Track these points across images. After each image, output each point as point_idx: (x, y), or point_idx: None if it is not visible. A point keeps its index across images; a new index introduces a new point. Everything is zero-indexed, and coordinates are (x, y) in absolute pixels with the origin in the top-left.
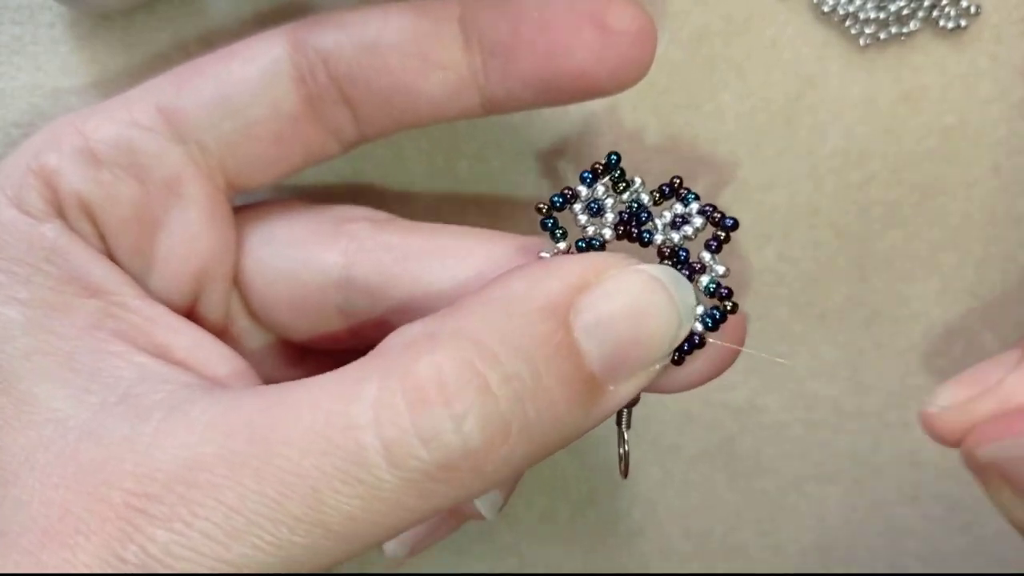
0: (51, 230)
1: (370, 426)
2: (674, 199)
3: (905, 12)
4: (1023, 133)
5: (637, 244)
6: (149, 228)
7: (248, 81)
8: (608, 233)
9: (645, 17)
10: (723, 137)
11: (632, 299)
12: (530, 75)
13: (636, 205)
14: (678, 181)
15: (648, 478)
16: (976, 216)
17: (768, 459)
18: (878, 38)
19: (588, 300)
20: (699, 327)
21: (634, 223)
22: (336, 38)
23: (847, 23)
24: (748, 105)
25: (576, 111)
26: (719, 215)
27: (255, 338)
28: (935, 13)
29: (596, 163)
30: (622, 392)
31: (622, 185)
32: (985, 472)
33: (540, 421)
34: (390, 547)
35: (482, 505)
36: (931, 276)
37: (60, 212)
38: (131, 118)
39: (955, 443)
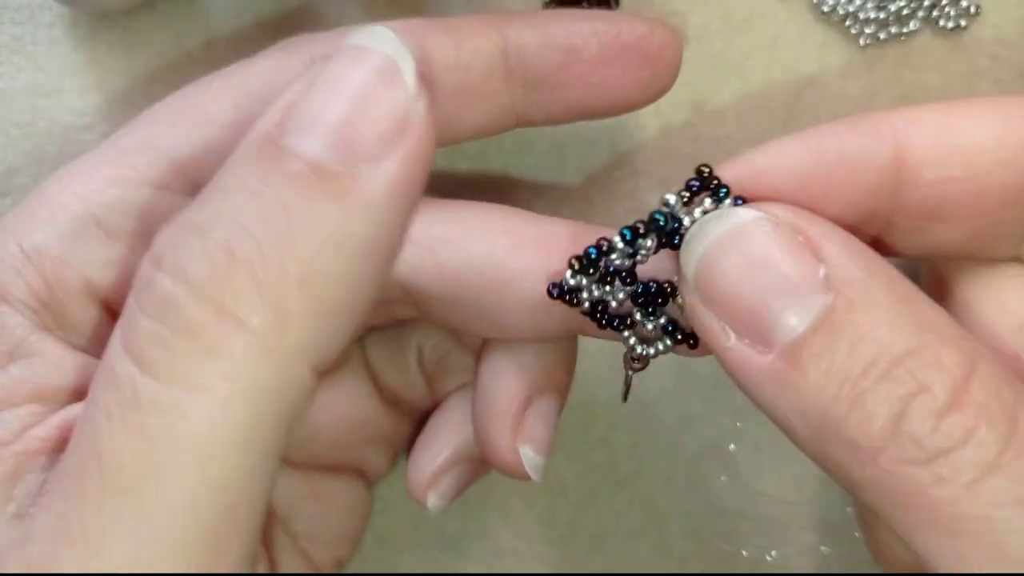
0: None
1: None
2: (705, 193)
3: (905, 12)
4: None
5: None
6: None
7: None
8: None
9: (681, 43)
10: (723, 137)
11: (327, 73)
12: (576, 104)
13: (662, 218)
14: (707, 171)
15: (648, 478)
16: None
17: (768, 459)
18: (878, 38)
19: (293, 111)
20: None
21: (673, 239)
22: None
23: (847, 23)
24: (748, 105)
25: None
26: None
27: None
28: (935, 13)
29: (640, 222)
30: (387, 168)
31: (664, 221)
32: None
33: (283, 235)
34: (432, 502)
35: (528, 467)
36: None
37: (47, 307)
38: (139, 174)
39: None
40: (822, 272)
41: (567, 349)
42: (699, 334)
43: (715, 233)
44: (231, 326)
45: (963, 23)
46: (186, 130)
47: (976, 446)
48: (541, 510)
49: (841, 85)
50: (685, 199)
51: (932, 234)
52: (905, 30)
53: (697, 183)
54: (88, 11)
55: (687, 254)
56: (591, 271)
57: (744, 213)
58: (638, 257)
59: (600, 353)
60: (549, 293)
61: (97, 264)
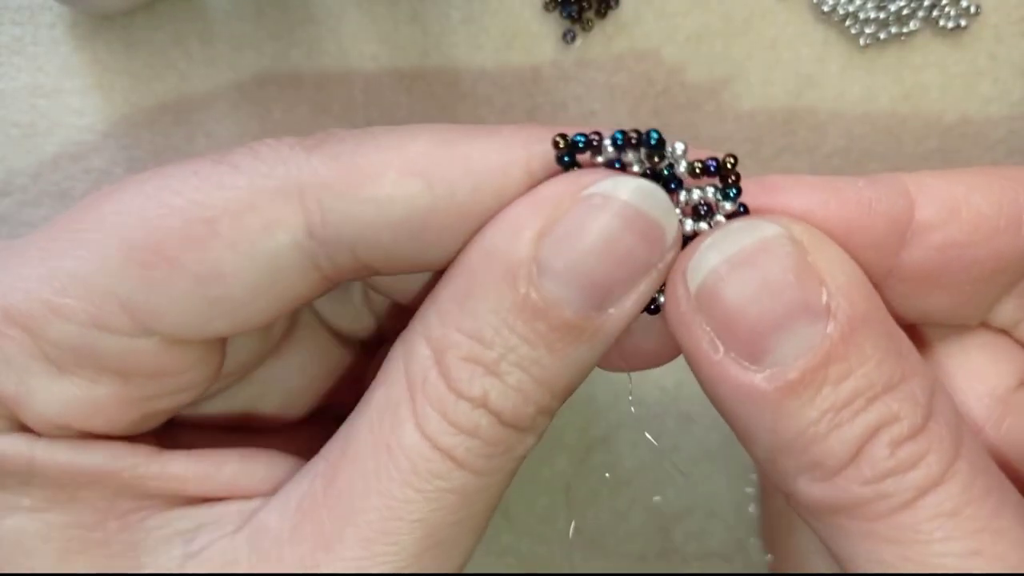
0: (12, 446)
1: (425, 444)
2: (716, 179)
3: (905, 12)
4: (1023, 133)
5: None
6: (139, 411)
7: (243, 282)
8: None
9: None
10: (723, 137)
11: (599, 230)
12: None
13: (667, 171)
14: (732, 162)
15: (648, 478)
16: None
17: None
18: (878, 38)
19: (548, 244)
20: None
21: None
22: (368, 222)
23: (847, 23)
24: (748, 105)
25: (575, 111)
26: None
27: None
28: (935, 13)
29: (635, 131)
30: (625, 309)
31: (656, 158)
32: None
33: (551, 374)
34: None
35: None
36: None
37: (21, 428)
38: (90, 319)
39: None
40: (825, 298)
41: None
42: (682, 342)
43: (737, 246)
44: (523, 434)
45: (963, 23)
46: (139, 270)
47: (924, 468)
48: (541, 510)
49: (841, 85)
50: (696, 169)
51: (924, 300)
52: (905, 30)
53: (715, 164)
54: (88, 11)
55: (698, 264)
56: (572, 157)
57: (767, 227)
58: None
59: None
60: (555, 144)
61: (58, 405)
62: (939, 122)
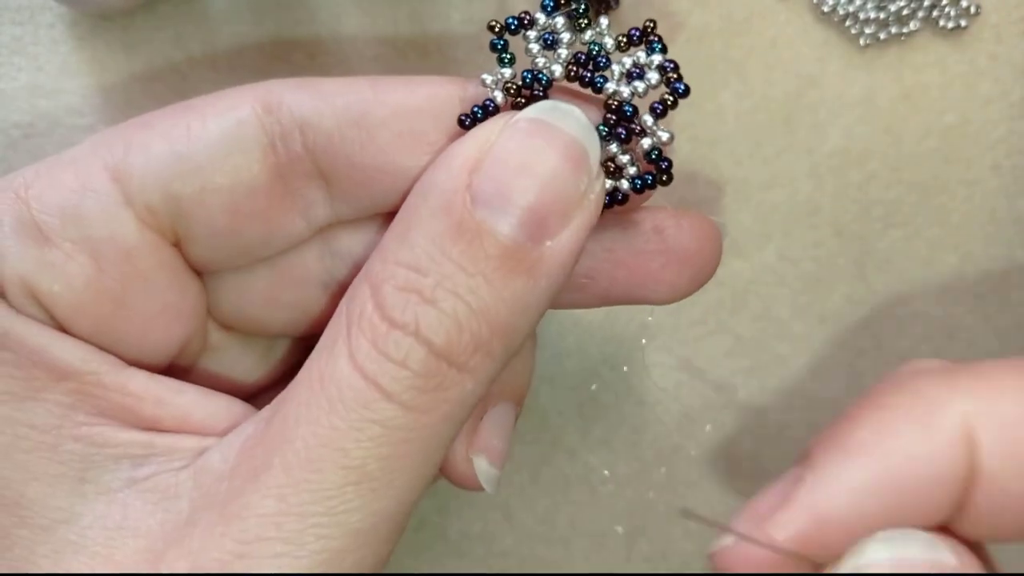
0: None
1: (355, 374)
2: (642, 45)
3: (905, 12)
4: (1023, 133)
5: (589, 90)
6: (109, 307)
7: (206, 141)
8: (558, 71)
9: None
10: (723, 137)
11: (519, 152)
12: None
13: (596, 48)
14: (651, 25)
15: (649, 478)
16: (976, 216)
17: (768, 459)
18: (878, 38)
19: (481, 174)
20: (626, 186)
21: (589, 66)
22: (316, 104)
23: (847, 23)
24: (748, 105)
25: None
26: (675, 76)
27: (233, 347)
28: (935, 13)
29: None
30: (564, 242)
31: (584, 22)
32: None
33: (488, 305)
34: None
35: (482, 478)
36: (931, 276)
37: (1, 294)
38: (78, 182)
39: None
40: None
41: (525, 355)
42: None
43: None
44: (458, 373)
45: (963, 23)
46: (127, 139)
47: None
48: (542, 511)
49: (841, 85)
50: (621, 43)
51: (999, 529)
52: (905, 30)
53: (637, 31)
54: (88, 11)
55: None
56: (506, 51)
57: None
58: (559, 50)
59: (600, 353)
60: (491, 28)
61: (35, 264)
62: (939, 122)
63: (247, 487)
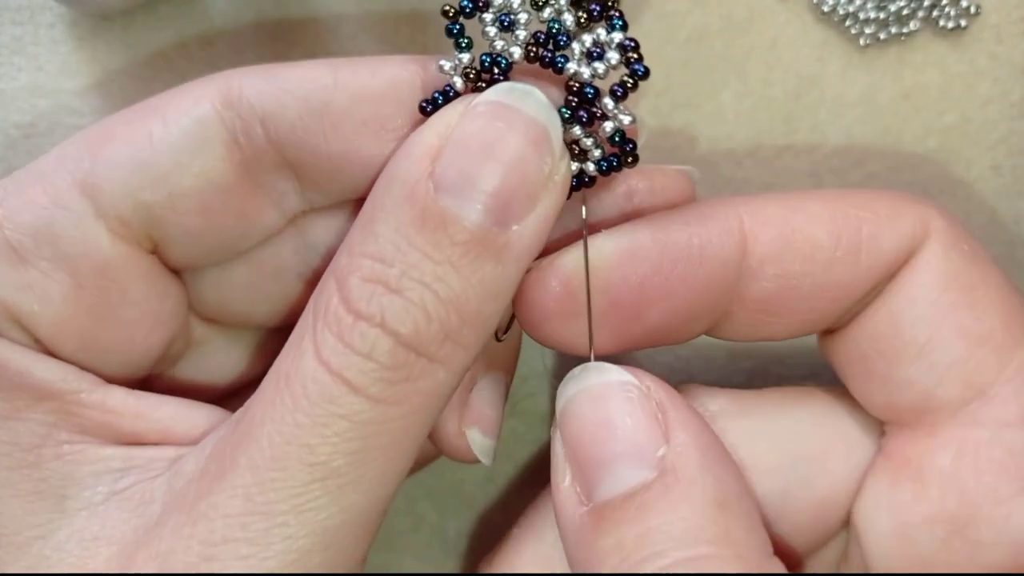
0: None
1: (320, 369)
2: (602, 22)
3: (905, 12)
4: (1023, 133)
5: (550, 70)
6: (90, 321)
7: (168, 145)
8: (517, 52)
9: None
10: (723, 137)
11: (480, 136)
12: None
13: (556, 26)
14: (612, 0)
15: None
16: (976, 216)
17: None
18: (878, 38)
19: (443, 160)
20: (592, 168)
21: (549, 45)
22: (276, 95)
23: (847, 23)
24: (748, 105)
25: None
26: (635, 56)
27: (217, 340)
28: (935, 13)
29: None
30: (529, 227)
31: (541, 0)
32: None
33: (456, 293)
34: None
35: (476, 450)
36: None
37: None
38: (49, 199)
39: None
40: (661, 452)
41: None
42: (552, 467)
43: (588, 382)
44: (428, 363)
45: (963, 23)
46: (92, 150)
47: None
48: None
49: (841, 85)
50: (581, 19)
51: (769, 326)
52: (905, 30)
53: (598, 7)
54: (88, 11)
55: (562, 391)
56: (462, 35)
57: (618, 373)
58: (516, 31)
59: None
60: (444, 13)
61: (12, 289)
62: (939, 122)
63: (214, 487)
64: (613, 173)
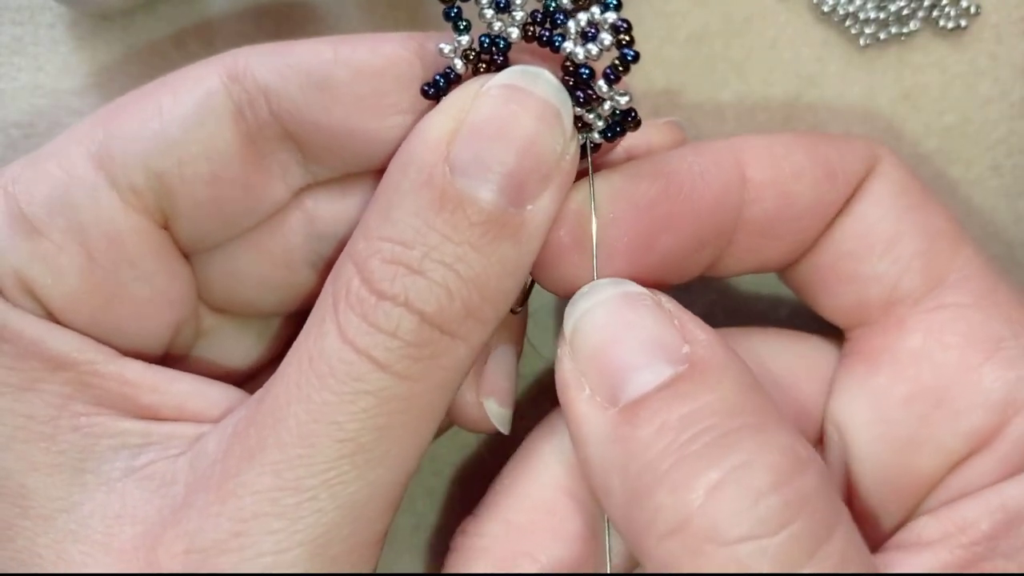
0: None
1: (345, 348)
2: (596, 1)
3: (905, 12)
4: (1023, 133)
5: (548, 49)
6: (101, 296)
7: (179, 116)
8: (515, 33)
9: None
10: (723, 137)
11: (494, 119)
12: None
13: (553, 4)
14: None
15: None
16: (976, 216)
17: None
18: (878, 38)
19: (458, 144)
20: (597, 137)
21: (547, 24)
22: (279, 70)
23: (847, 23)
24: (748, 105)
25: None
26: (627, 39)
27: (226, 329)
28: (935, 13)
29: None
30: (543, 206)
31: None
32: None
33: (477, 272)
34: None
35: (495, 420)
36: None
37: None
38: (63, 171)
39: None
40: (685, 349)
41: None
42: (559, 391)
43: (604, 293)
44: (451, 340)
45: (963, 23)
46: (105, 123)
47: (789, 539)
48: None
49: (841, 85)
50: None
51: (765, 251)
52: (905, 30)
53: None
54: (88, 11)
55: (571, 310)
56: (460, 18)
57: (633, 287)
58: (513, 12)
59: None
60: (446, 14)
61: (27, 259)
62: (939, 122)
63: (242, 466)
64: (617, 139)
